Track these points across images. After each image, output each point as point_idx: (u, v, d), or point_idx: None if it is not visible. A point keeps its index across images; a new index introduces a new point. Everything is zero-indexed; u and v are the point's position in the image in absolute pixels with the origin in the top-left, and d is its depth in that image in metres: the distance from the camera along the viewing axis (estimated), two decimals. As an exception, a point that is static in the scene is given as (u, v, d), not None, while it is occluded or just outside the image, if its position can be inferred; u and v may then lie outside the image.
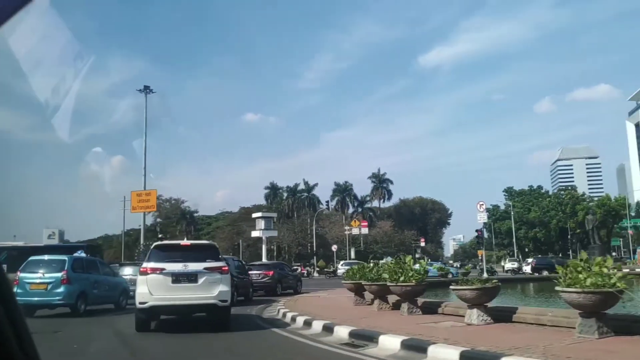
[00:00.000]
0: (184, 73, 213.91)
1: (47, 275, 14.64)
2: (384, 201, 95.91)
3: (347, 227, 70.41)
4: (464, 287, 9.22)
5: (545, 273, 39.58)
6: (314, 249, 69.96)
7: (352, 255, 69.67)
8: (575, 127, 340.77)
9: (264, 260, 46.97)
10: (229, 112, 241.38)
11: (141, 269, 10.92)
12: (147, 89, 50.79)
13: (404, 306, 11.35)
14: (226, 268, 11.52)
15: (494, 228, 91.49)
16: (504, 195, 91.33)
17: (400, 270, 11.46)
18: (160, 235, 53.07)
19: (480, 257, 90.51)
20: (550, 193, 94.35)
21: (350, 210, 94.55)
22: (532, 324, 8.92)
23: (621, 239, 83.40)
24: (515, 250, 74.98)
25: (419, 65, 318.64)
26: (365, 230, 70.04)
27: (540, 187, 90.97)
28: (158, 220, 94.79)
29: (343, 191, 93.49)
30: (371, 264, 15.23)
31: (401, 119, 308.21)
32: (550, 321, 8.60)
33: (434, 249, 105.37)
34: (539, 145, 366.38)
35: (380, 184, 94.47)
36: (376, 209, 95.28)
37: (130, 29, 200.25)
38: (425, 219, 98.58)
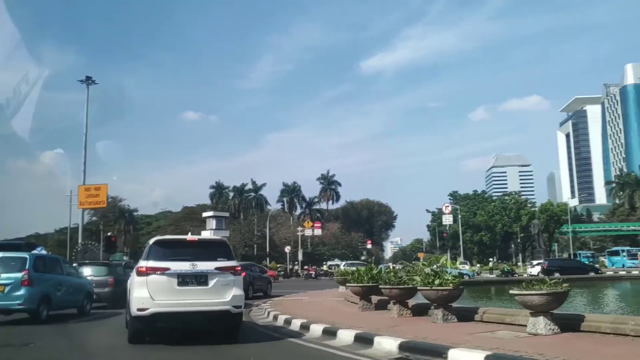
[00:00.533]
0: (122, 67, 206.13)
1: (4, 275, 12.43)
2: (332, 203, 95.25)
3: (300, 228, 69.06)
4: (531, 292, 8.04)
5: (557, 275, 39.03)
6: (267, 249, 68.08)
7: (300, 257, 68.35)
8: (508, 135, 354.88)
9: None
10: (168, 109, 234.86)
11: (139, 269, 9.08)
12: (89, 80, 47.42)
13: (438, 313, 10.10)
14: (239, 268, 9.90)
15: (438, 231, 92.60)
16: (449, 199, 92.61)
17: (435, 272, 10.20)
18: (109, 234, 49.64)
19: (420, 259, 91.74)
20: (495, 198, 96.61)
21: (298, 211, 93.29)
22: (608, 333, 7.86)
23: (556, 244, 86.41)
24: (462, 254, 75.87)
25: (361, 70, 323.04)
26: (318, 232, 68.92)
27: (484, 192, 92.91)
28: (94, 218, 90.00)
29: (291, 192, 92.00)
30: (391, 266, 13.88)
31: (344, 122, 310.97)
32: (633, 331, 7.55)
33: (376, 251, 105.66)
34: (475, 152, 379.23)
35: (329, 185, 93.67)
36: (324, 210, 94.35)
37: (66, 21, 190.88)
38: (371, 221, 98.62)
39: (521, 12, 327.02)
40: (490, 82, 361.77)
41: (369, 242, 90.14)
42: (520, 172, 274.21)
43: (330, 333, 9.95)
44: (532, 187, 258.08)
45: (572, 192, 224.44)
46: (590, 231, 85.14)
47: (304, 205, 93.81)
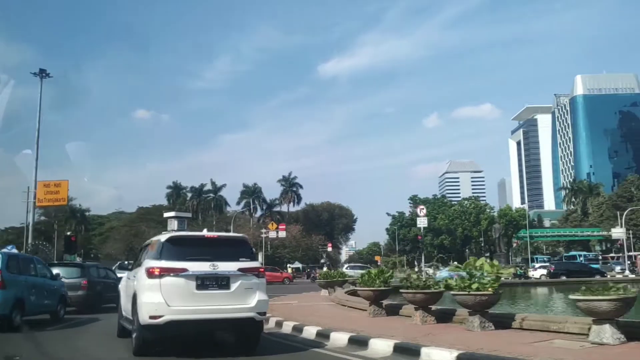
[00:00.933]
0: (71, 63, 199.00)
1: (-28, 277, 10.88)
2: (293, 205, 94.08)
3: (263, 230, 67.65)
4: (599, 298, 7.29)
5: (563, 278, 39.26)
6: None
7: (260, 259, 66.87)
8: (462, 142, 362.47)
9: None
10: (119, 107, 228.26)
11: (150, 270, 7.82)
12: (42, 73, 44.82)
13: (474, 320, 9.25)
14: (263, 270, 8.80)
15: (398, 235, 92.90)
16: (409, 203, 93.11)
17: (471, 276, 9.36)
18: (69, 233, 46.80)
19: (378, 263, 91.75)
20: (454, 202, 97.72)
21: (259, 213, 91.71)
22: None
23: (510, 248, 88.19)
24: (423, 257, 76.12)
25: (318, 74, 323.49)
26: (283, 234, 67.55)
27: (444, 197, 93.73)
28: (42, 218, 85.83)
29: (252, 193, 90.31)
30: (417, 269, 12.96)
31: (301, 125, 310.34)
32: None
33: (335, 254, 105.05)
34: (430, 158, 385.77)
35: (290, 187, 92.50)
36: (284, 212, 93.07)
37: (13, 14, 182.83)
38: (332, 224, 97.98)
39: (474, 23, 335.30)
40: (444, 89, 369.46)
41: (330, 245, 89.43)
42: (472, 177, 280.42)
43: (358, 342, 8.96)
44: (484, 192, 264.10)
45: (522, 198, 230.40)
46: (547, 236, 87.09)
47: (264, 207, 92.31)
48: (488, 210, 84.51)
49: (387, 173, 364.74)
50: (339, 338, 9.42)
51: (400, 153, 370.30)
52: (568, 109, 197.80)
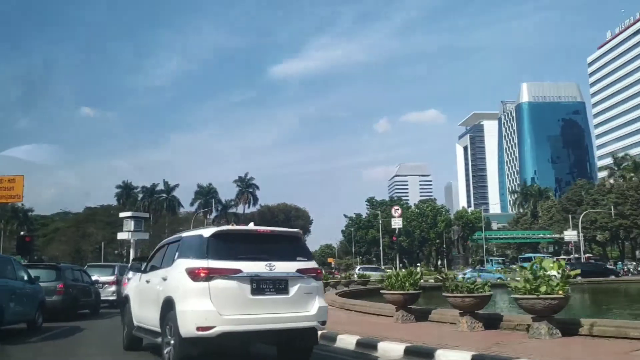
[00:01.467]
0: (12, 59, 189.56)
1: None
2: (249, 206, 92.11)
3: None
4: None
5: (578, 279, 38.54)
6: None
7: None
8: (411, 146, 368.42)
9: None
10: (62, 105, 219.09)
11: (194, 270, 6.46)
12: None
13: (541, 326, 8.32)
14: (321, 272, 7.56)
15: (355, 236, 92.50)
16: (367, 205, 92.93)
17: (537, 278, 8.43)
18: (23, 233, 43.42)
19: (332, 265, 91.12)
20: (411, 205, 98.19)
21: (214, 214, 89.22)
22: None
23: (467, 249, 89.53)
24: (382, 258, 76.03)
25: (269, 75, 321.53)
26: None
27: (400, 199, 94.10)
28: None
29: (206, 194, 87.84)
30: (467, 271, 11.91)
31: (253, 126, 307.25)
32: None
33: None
34: (381, 161, 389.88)
35: (247, 188, 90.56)
36: (240, 214, 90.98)
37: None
38: (288, 225, 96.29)
39: (423, 30, 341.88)
40: (393, 94, 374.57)
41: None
42: (421, 181, 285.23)
43: (419, 354, 7.84)
44: (432, 195, 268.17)
45: (468, 201, 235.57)
46: (500, 238, 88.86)
47: (219, 208, 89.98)
48: (444, 213, 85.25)
49: (340, 175, 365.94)
50: (392, 349, 8.28)
51: (352, 156, 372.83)
52: (514, 115, 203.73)
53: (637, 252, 74.79)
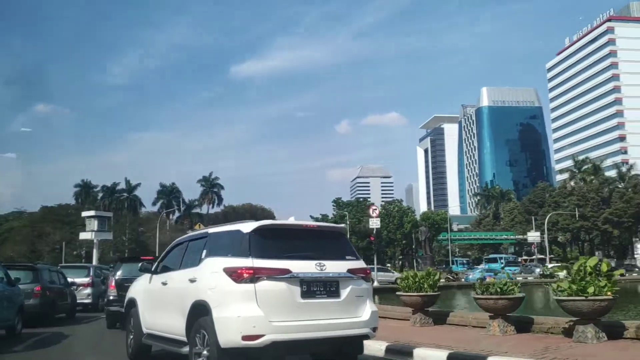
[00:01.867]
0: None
1: None
2: (213, 206, 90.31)
3: (189, 232, 63.74)
4: None
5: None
6: (157, 254, 61.80)
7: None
8: (372, 148, 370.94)
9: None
10: (14, 100, 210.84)
11: (237, 270, 5.60)
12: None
13: (587, 330, 7.79)
14: (370, 272, 6.80)
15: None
16: (333, 205, 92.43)
17: (581, 277, 7.91)
18: None
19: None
20: (380, 205, 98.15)
21: (177, 214, 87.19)
22: None
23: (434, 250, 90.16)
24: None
25: (232, 75, 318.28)
26: (210, 236, 63.92)
27: (366, 200, 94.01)
28: None
29: (169, 194, 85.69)
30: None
31: (215, 126, 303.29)
32: None
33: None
34: (344, 162, 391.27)
35: (211, 188, 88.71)
36: (204, 214, 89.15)
37: None
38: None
39: (385, 33, 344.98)
40: (355, 96, 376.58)
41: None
42: (382, 182, 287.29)
43: (466, 361, 7.23)
44: (393, 197, 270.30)
45: (428, 203, 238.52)
46: (465, 239, 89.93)
47: (183, 208, 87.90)
48: (410, 214, 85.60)
49: (305, 176, 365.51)
50: (432, 356, 7.61)
51: (316, 157, 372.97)
52: (474, 119, 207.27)
53: (596, 253, 76.68)
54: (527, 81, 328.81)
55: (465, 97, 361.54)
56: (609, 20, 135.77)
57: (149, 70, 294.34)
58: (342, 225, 7.32)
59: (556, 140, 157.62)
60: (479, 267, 59.69)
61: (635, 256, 74.39)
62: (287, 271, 5.64)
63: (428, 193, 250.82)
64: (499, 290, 9.05)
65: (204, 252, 6.46)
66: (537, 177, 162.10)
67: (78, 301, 17.30)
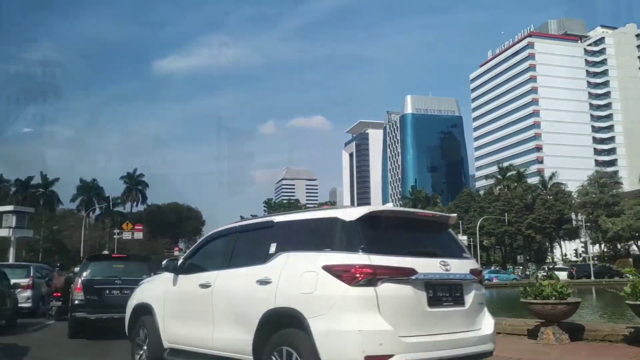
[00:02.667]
0: None
1: None
2: (137, 204, 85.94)
3: (117, 231, 60.06)
4: None
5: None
6: (81, 254, 57.52)
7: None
8: (298, 150, 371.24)
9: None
10: None
11: (350, 269, 4.29)
12: None
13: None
14: (483, 274, 5.62)
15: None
16: (264, 206, 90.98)
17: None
18: None
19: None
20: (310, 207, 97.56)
21: (97, 212, 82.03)
22: None
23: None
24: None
25: (153, 70, 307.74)
26: (139, 235, 60.50)
27: (297, 201, 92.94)
28: None
29: (89, 190, 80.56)
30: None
31: (135, 122, 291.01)
32: None
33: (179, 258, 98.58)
34: (270, 163, 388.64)
35: (135, 185, 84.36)
36: (127, 212, 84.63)
37: None
38: (180, 226, 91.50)
39: (314, 36, 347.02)
40: (281, 98, 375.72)
41: (177, 248, 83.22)
42: (307, 185, 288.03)
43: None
44: (317, 200, 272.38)
45: (352, 206, 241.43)
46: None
47: (104, 206, 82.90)
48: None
49: (230, 176, 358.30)
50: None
51: (241, 157, 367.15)
52: (398, 125, 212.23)
53: (518, 257, 79.93)
54: (451, 91, 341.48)
55: (390, 103, 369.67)
56: (529, 35, 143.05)
57: (63, 62, 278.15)
58: (455, 214, 6.00)
59: (477, 148, 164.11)
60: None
61: (556, 260, 78.16)
62: (413, 271, 4.39)
63: (352, 196, 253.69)
64: (555, 293, 8.17)
65: (273, 246, 5.06)
66: (456, 184, 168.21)
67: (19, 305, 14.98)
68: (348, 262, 4.36)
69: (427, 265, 4.53)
